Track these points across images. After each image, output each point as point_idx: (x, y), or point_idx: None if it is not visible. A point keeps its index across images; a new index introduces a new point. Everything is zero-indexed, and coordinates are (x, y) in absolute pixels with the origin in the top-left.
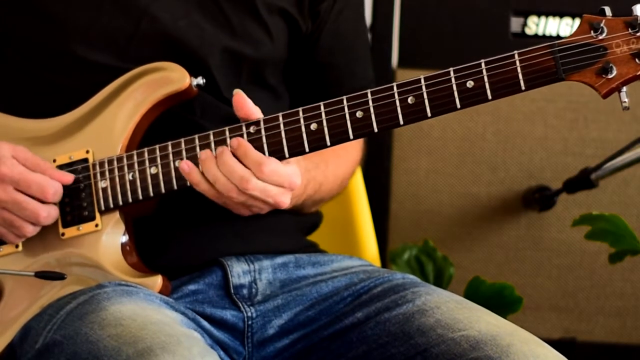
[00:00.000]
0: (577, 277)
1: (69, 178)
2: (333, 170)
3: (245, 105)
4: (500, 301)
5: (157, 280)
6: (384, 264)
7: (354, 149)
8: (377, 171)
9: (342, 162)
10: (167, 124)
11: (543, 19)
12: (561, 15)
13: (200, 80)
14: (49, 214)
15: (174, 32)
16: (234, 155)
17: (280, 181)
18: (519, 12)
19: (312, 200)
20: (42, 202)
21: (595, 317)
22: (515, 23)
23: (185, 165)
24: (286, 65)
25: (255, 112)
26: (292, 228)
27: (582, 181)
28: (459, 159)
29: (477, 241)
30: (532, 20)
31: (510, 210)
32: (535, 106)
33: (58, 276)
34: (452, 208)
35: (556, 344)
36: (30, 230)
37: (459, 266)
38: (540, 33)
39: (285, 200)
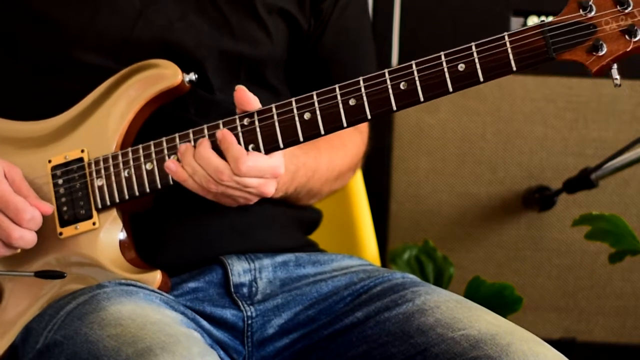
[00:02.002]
0: (577, 277)
1: (47, 209)
2: (327, 159)
3: (247, 102)
4: (500, 301)
5: (156, 276)
6: (384, 263)
7: (351, 142)
8: (377, 171)
9: (338, 153)
10: (161, 123)
11: (543, 19)
12: None
13: (192, 76)
14: (22, 236)
15: (169, 34)
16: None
17: (261, 174)
18: (519, 12)
19: (306, 190)
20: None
21: (595, 317)
22: (515, 23)
23: (172, 164)
24: (290, 65)
25: (256, 105)
26: (291, 224)
27: (582, 181)
28: (459, 159)
29: (477, 241)
30: (532, 20)
31: (510, 210)
32: (535, 106)
33: (58, 275)
34: (452, 208)
35: (556, 344)
36: (2, 252)
37: (459, 266)
38: None
39: (269, 190)
